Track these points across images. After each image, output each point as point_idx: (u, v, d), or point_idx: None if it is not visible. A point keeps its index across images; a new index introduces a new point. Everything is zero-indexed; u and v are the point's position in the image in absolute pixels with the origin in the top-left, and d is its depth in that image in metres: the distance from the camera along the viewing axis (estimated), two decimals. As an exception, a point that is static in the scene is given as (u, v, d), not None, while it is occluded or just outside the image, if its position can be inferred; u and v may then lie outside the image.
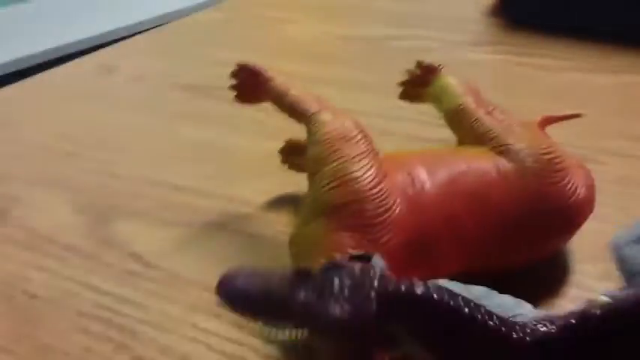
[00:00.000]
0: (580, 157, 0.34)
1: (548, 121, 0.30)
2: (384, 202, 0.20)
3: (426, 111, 0.35)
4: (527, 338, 0.11)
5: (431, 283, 0.13)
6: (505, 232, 0.22)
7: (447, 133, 0.27)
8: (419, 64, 0.29)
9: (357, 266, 0.13)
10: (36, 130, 0.36)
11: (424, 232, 0.20)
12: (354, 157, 0.21)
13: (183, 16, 0.63)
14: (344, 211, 0.20)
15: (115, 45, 0.53)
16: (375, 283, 0.12)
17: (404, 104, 0.41)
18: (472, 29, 0.60)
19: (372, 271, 0.13)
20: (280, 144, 0.33)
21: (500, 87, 0.45)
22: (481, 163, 0.22)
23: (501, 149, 0.23)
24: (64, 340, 0.21)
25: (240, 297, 0.14)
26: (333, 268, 0.13)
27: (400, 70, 0.30)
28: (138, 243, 0.26)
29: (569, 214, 0.22)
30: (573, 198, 0.22)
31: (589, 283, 0.23)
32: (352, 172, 0.21)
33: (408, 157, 0.23)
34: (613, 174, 0.33)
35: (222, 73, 0.46)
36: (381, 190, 0.20)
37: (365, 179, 0.21)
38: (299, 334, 0.15)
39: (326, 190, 0.21)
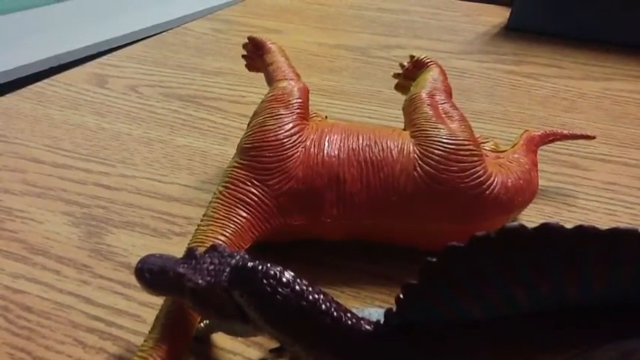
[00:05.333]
0: (566, 163, 0.35)
1: (551, 136, 0.30)
2: (283, 152, 0.24)
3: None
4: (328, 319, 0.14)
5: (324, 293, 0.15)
6: (397, 204, 0.23)
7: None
8: (411, 58, 0.31)
9: (227, 249, 0.17)
10: (28, 141, 0.36)
11: (309, 187, 0.23)
12: (277, 114, 0.25)
13: (176, 27, 0.63)
14: (249, 153, 0.24)
15: (108, 55, 0.53)
16: (233, 262, 0.16)
17: (391, 111, 0.41)
18: (461, 38, 0.61)
19: (235, 253, 0.16)
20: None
21: (489, 94, 0.46)
22: (390, 141, 0.24)
23: (415, 134, 0.25)
24: (58, 352, 0.21)
25: (147, 272, 0.17)
26: (211, 250, 0.17)
27: (389, 79, 0.30)
28: (132, 254, 0.26)
29: (470, 204, 0.23)
30: (476, 190, 0.23)
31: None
32: (267, 125, 0.24)
33: (335, 125, 0.25)
34: (599, 180, 0.33)
35: (214, 83, 0.47)
36: (284, 142, 0.24)
37: (274, 131, 0.24)
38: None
39: (245, 136, 0.25)
